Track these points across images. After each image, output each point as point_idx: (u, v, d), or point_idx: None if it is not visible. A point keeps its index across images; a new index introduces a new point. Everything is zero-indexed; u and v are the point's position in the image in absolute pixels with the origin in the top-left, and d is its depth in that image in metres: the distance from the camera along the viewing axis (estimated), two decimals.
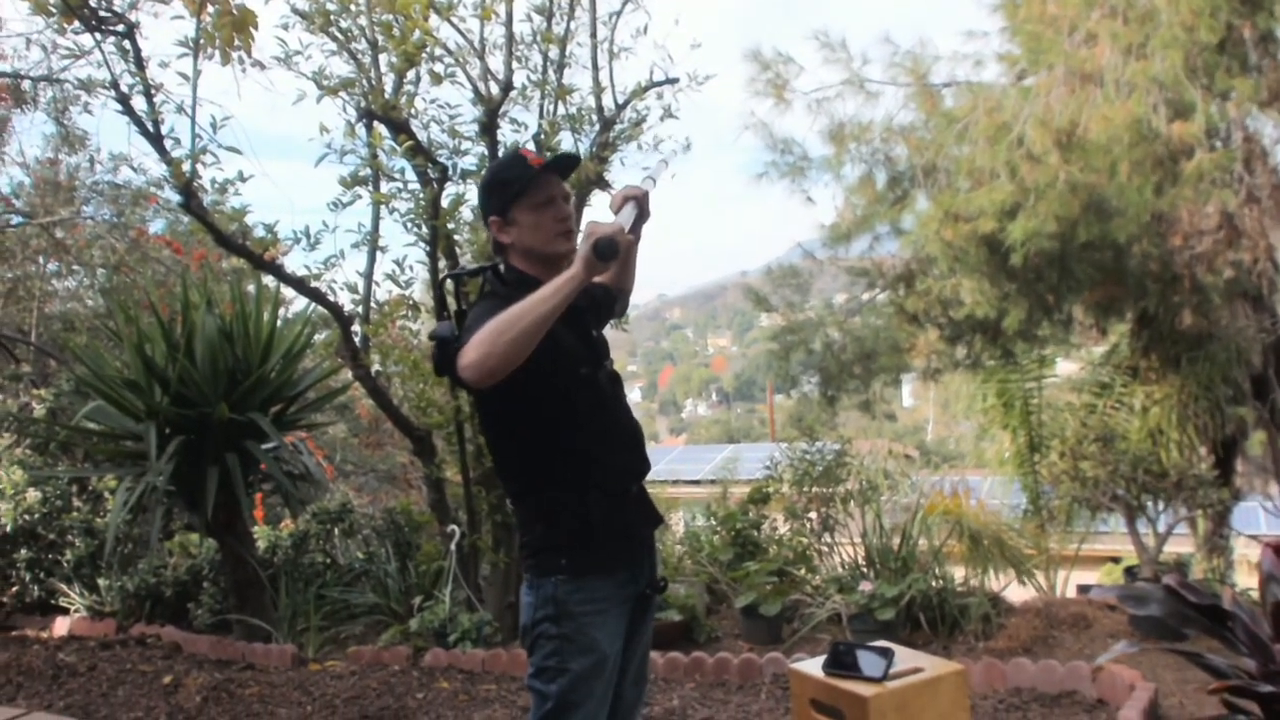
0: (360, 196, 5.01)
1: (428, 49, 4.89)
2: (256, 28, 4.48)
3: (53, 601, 5.87)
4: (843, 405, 7.72)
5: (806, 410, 7.80)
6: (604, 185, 5.19)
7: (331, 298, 5.04)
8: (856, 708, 2.42)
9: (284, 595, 5.28)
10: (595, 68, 5.39)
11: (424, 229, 5.06)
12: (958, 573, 5.18)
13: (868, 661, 2.52)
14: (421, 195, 5.06)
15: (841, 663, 2.55)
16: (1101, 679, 3.76)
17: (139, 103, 4.64)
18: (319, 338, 5.83)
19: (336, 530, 6.11)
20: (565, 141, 5.28)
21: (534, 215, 2.08)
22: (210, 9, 4.43)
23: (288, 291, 6.22)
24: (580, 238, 1.89)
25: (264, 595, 5.20)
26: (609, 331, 2.38)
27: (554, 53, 5.29)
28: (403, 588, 5.34)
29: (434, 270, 5.15)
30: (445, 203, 5.02)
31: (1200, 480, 5.53)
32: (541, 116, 5.26)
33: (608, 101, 5.36)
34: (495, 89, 5.06)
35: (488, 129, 5.04)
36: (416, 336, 5.81)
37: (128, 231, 8.74)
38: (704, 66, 5.38)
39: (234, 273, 7.58)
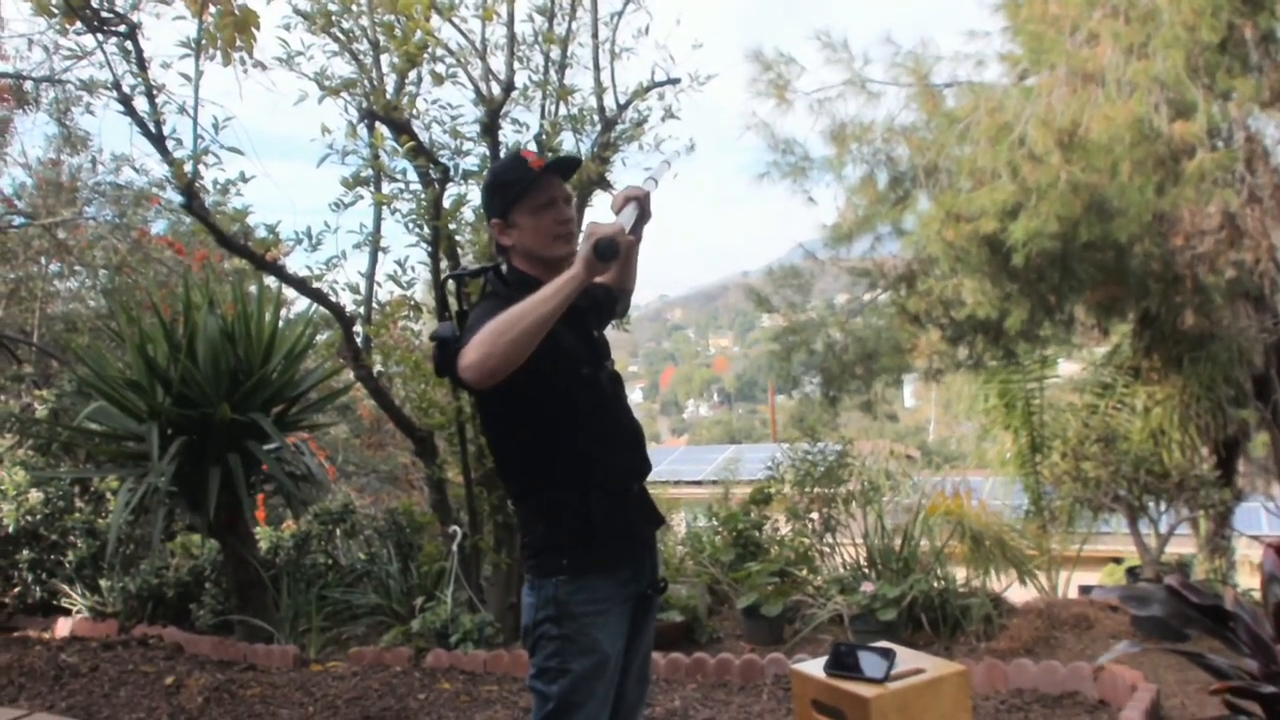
0: (362, 197, 5.03)
1: (429, 49, 4.90)
2: (258, 28, 4.48)
3: (55, 602, 5.86)
4: (844, 406, 7.70)
5: (808, 411, 7.78)
6: (606, 186, 5.19)
7: (333, 298, 5.05)
8: (858, 708, 2.42)
9: (286, 596, 5.28)
10: (597, 68, 5.39)
11: (426, 229, 5.07)
12: (959, 573, 5.18)
13: (869, 662, 2.52)
14: (423, 196, 5.06)
15: (843, 663, 2.55)
16: (1103, 680, 3.75)
17: (141, 103, 4.66)
18: (321, 338, 5.83)
19: (338, 531, 6.12)
20: (567, 142, 5.29)
21: (534, 218, 2.08)
22: (212, 9, 4.44)
23: (289, 292, 6.24)
24: (581, 238, 1.89)
25: (266, 596, 5.20)
26: (610, 332, 2.38)
27: (555, 53, 5.29)
28: (404, 588, 5.34)
29: (436, 271, 5.16)
30: (447, 203, 5.03)
31: (1202, 481, 5.53)
32: (543, 117, 5.26)
33: (609, 102, 5.37)
34: (497, 89, 5.07)
35: (489, 129, 5.04)
36: (418, 337, 5.81)
37: (130, 232, 8.76)
38: (705, 67, 5.40)
39: (236, 273, 7.58)
